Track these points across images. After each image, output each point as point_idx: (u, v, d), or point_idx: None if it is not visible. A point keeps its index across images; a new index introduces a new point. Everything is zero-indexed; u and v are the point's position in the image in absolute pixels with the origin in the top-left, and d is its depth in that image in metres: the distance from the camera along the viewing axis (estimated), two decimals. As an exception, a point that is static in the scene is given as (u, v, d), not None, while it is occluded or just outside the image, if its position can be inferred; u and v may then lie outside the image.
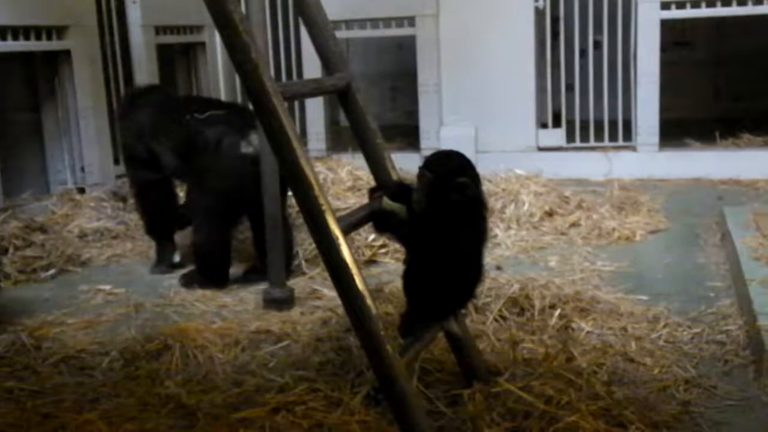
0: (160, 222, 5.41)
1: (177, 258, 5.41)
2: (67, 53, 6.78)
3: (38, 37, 6.53)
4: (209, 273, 4.96)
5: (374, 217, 3.04)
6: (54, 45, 6.70)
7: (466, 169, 2.96)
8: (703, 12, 7.60)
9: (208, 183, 4.82)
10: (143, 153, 5.12)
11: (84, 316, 4.48)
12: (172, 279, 5.13)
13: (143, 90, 5.60)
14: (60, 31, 6.70)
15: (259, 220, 4.65)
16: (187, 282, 4.99)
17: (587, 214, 6.02)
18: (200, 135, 4.83)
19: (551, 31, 7.95)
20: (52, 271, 5.29)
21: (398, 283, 4.25)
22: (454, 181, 2.90)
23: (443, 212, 2.90)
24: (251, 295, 4.72)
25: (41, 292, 5.00)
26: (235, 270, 5.19)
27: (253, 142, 4.69)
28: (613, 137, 7.89)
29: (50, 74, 6.96)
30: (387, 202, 2.97)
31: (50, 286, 5.12)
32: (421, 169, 2.96)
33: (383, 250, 5.23)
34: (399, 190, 3.06)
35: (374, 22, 8.24)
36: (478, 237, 3.04)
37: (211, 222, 4.89)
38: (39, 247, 5.46)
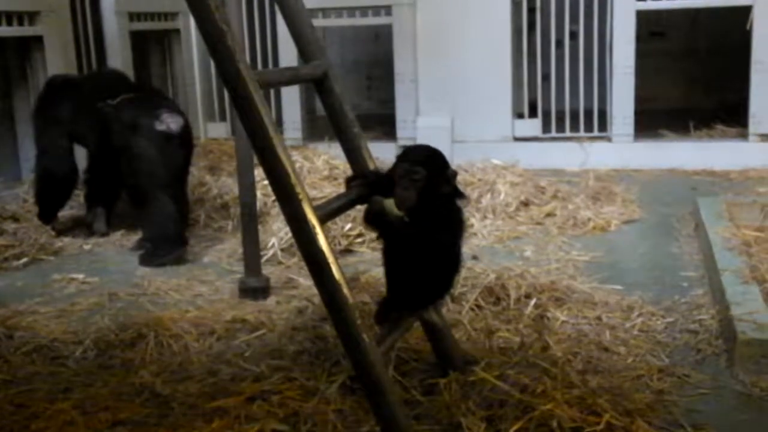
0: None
1: (103, 228, 5.85)
2: (39, 39, 6.68)
3: (9, 23, 6.43)
4: (169, 242, 5.21)
5: (369, 217, 3.01)
6: (26, 31, 6.60)
7: (447, 162, 3.00)
8: (679, 3, 7.66)
9: (135, 162, 5.22)
10: (66, 141, 5.68)
11: (57, 305, 4.44)
12: (147, 268, 5.09)
13: (60, 82, 5.86)
14: (32, 17, 6.60)
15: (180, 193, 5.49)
16: (147, 261, 5.18)
17: (563, 204, 6.04)
18: (117, 119, 5.26)
19: (527, 21, 7.96)
20: (24, 260, 5.24)
21: (375, 273, 4.27)
22: (444, 174, 2.93)
23: (436, 206, 2.90)
24: (226, 284, 4.70)
25: (13, 281, 4.94)
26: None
27: (165, 120, 5.23)
28: (588, 128, 7.93)
29: (22, 60, 6.86)
30: (390, 209, 2.92)
31: (22, 275, 5.07)
32: (409, 165, 2.89)
33: (359, 240, 5.22)
34: (377, 180, 3.06)
35: (351, 11, 8.21)
36: (458, 228, 3.05)
37: (153, 195, 5.21)
38: (11, 235, 5.40)
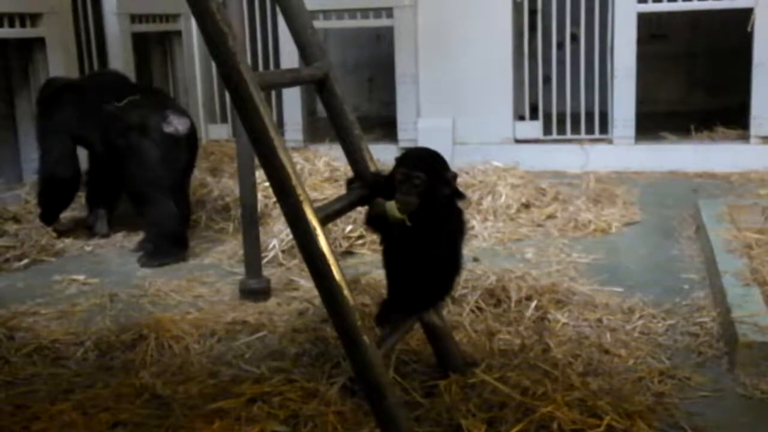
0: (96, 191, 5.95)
1: (104, 229, 5.85)
2: (41, 41, 6.69)
3: (12, 25, 6.44)
4: (171, 242, 5.25)
5: (371, 219, 3.02)
6: (28, 32, 6.61)
7: (447, 165, 3.00)
8: (680, 6, 7.65)
9: (140, 163, 5.24)
10: (69, 142, 5.65)
11: (58, 306, 4.44)
12: (148, 269, 5.10)
13: (62, 84, 5.87)
14: (34, 19, 6.61)
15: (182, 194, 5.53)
16: (148, 262, 5.19)
17: (563, 206, 6.04)
18: (123, 121, 5.28)
19: (529, 23, 7.96)
20: (25, 261, 5.24)
21: (375, 274, 4.27)
22: (444, 177, 2.93)
23: (437, 208, 2.90)
24: (227, 285, 4.70)
25: (14, 282, 4.94)
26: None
27: (172, 122, 5.30)
28: (589, 130, 7.93)
29: (24, 62, 6.87)
30: (392, 212, 2.92)
31: (23, 276, 5.07)
32: (408, 171, 2.89)
33: (360, 241, 5.22)
34: (377, 182, 3.06)
35: (352, 13, 8.21)
36: (459, 230, 3.05)
37: (156, 196, 5.24)
38: (12, 236, 5.40)
